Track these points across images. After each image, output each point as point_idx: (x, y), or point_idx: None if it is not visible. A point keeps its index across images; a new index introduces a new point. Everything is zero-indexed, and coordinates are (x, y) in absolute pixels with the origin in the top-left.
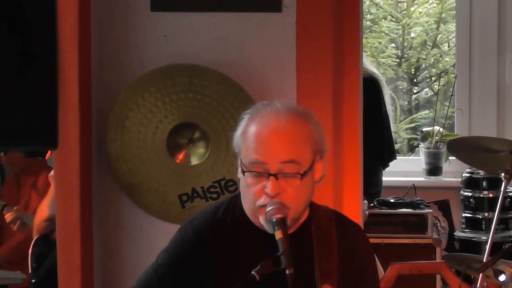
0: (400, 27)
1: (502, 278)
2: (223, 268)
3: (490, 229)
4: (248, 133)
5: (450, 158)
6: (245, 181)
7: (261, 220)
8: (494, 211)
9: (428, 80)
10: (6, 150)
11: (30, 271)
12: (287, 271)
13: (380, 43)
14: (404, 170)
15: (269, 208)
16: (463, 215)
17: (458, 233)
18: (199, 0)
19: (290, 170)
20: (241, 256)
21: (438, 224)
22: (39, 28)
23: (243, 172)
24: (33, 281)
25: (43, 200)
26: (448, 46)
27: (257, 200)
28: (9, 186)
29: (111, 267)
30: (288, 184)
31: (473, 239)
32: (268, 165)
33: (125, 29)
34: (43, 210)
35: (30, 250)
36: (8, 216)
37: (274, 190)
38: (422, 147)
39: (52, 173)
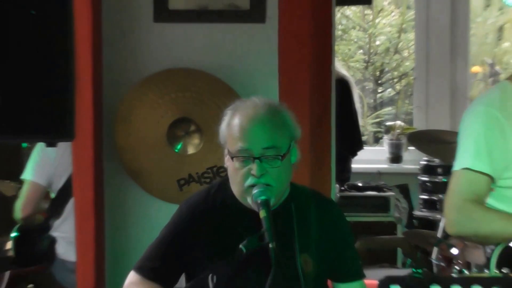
0: (366, 36)
1: (454, 251)
2: (213, 241)
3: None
4: (232, 125)
5: (409, 148)
6: (233, 167)
7: (249, 200)
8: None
9: (391, 81)
10: (31, 141)
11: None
12: (270, 245)
13: (349, 49)
14: (370, 158)
15: (255, 190)
16: (421, 197)
17: (416, 213)
18: (194, 13)
19: (271, 154)
20: (229, 231)
21: (399, 205)
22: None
23: (232, 158)
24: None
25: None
26: (408, 52)
27: (245, 181)
28: None
29: (119, 240)
30: (270, 165)
31: (429, 217)
32: (252, 151)
33: (132, 37)
34: (17, 211)
35: (11, 235)
36: None
37: (259, 171)
38: (386, 139)
39: (23, 175)
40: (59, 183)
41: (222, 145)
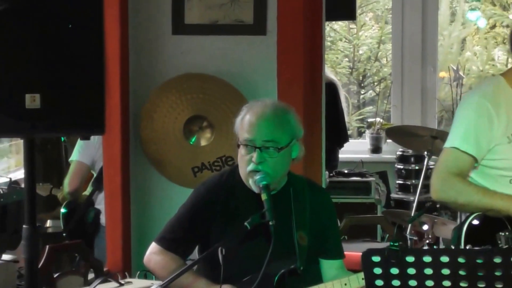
0: (351, 46)
1: (425, 227)
2: (224, 218)
3: (416, 192)
4: (243, 119)
5: (387, 141)
6: (240, 153)
7: (251, 182)
8: (419, 179)
9: (371, 84)
10: (68, 135)
11: (62, 227)
12: (270, 223)
13: (337, 57)
14: (354, 149)
15: (257, 176)
16: (397, 182)
17: (393, 195)
18: (206, 27)
19: (270, 146)
20: (237, 210)
21: (379, 188)
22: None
23: (238, 146)
24: (64, 234)
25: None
26: (386, 60)
27: (247, 166)
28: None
29: (143, 220)
30: (269, 155)
31: (404, 199)
32: (255, 142)
33: (154, 47)
34: (65, 186)
35: (61, 210)
36: (60, 197)
37: (258, 159)
38: (367, 133)
39: (71, 157)
40: (100, 163)
41: (235, 135)
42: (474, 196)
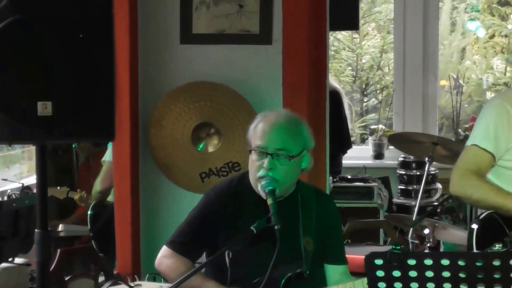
0: (354, 55)
1: (426, 231)
2: (232, 222)
3: (417, 197)
4: (257, 126)
5: (389, 147)
6: (251, 159)
7: (259, 188)
8: (420, 184)
9: (374, 92)
10: (79, 142)
11: (89, 227)
12: (275, 227)
13: (340, 66)
14: (357, 155)
15: (263, 182)
16: (399, 187)
17: (395, 200)
18: (214, 36)
19: (282, 154)
20: (245, 215)
21: (381, 193)
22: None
23: (250, 152)
24: (91, 234)
25: (97, 177)
26: (388, 69)
27: (257, 172)
28: (83, 167)
29: (151, 223)
30: (279, 163)
31: (406, 204)
32: (267, 149)
33: (162, 56)
34: (97, 185)
35: (88, 212)
36: (76, 197)
37: (268, 165)
38: (370, 139)
39: (104, 158)
40: None
41: (247, 141)
42: (488, 194)
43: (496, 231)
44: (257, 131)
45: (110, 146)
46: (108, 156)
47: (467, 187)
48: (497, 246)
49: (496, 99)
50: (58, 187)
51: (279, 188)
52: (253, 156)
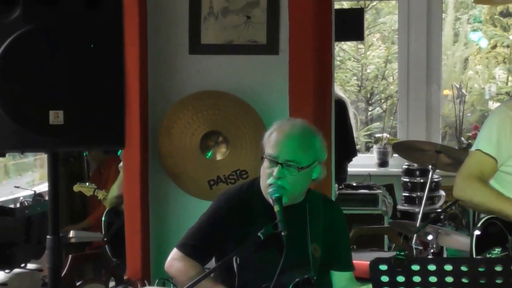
0: (359, 65)
1: (429, 237)
2: (241, 227)
3: (421, 204)
4: (271, 136)
5: (394, 155)
6: (263, 166)
7: (268, 195)
8: (424, 191)
9: (379, 101)
10: (90, 150)
11: (103, 233)
12: (282, 233)
13: (346, 76)
14: (363, 163)
15: (270, 189)
16: (403, 194)
17: (399, 207)
18: (222, 47)
19: (292, 164)
20: (254, 221)
21: (386, 200)
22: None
23: (262, 159)
24: (105, 239)
25: (114, 183)
26: (393, 79)
27: (268, 179)
28: (94, 174)
29: (161, 230)
30: (289, 172)
31: (410, 210)
32: (278, 158)
33: (172, 65)
34: (114, 190)
35: (103, 218)
36: (100, 196)
37: (278, 174)
38: (375, 148)
39: (121, 164)
40: None
41: (262, 148)
42: (487, 198)
43: (498, 236)
44: (271, 140)
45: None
46: None
47: (469, 191)
48: (496, 250)
49: (500, 107)
50: (87, 184)
51: (287, 196)
52: (265, 163)
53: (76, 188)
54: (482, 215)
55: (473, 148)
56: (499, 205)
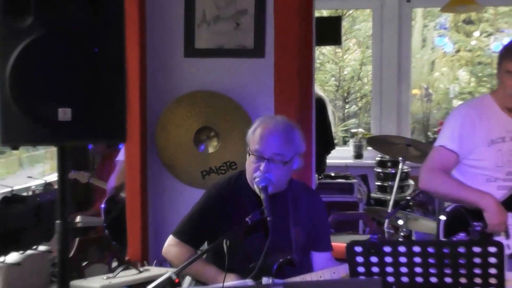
0: (337, 67)
1: (400, 222)
2: (231, 214)
3: (392, 192)
4: (255, 132)
5: (368, 148)
6: (249, 161)
7: (255, 185)
8: (395, 181)
9: (354, 100)
10: (94, 143)
11: (103, 219)
12: (268, 219)
13: (325, 77)
14: (340, 155)
15: (257, 179)
16: (376, 183)
17: (373, 195)
18: (213, 51)
19: (277, 159)
20: (242, 208)
21: (361, 189)
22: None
23: (249, 155)
24: (104, 225)
25: (111, 174)
26: (367, 79)
27: (254, 173)
28: (99, 167)
29: (158, 216)
30: (275, 166)
31: (382, 198)
32: (264, 154)
33: (168, 68)
34: (111, 181)
35: (102, 206)
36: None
37: (265, 169)
38: (351, 141)
39: (117, 158)
40: None
41: (247, 143)
42: (452, 188)
43: (461, 222)
44: (255, 136)
45: (122, 147)
46: (122, 156)
47: (434, 183)
48: (461, 235)
49: (462, 106)
50: (82, 172)
51: (273, 187)
52: (251, 158)
53: (72, 176)
54: (446, 204)
55: (436, 144)
56: (462, 194)
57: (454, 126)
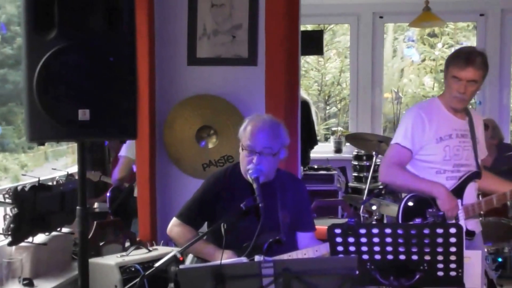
0: (320, 74)
1: (373, 207)
2: (227, 200)
3: (367, 182)
4: (246, 129)
5: (346, 144)
6: (242, 155)
7: (248, 176)
8: (369, 172)
9: (335, 102)
10: (110, 140)
11: (108, 206)
12: (260, 204)
13: (309, 82)
14: (322, 150)
15: (250, 170)
16: (353, 174)
17: (350, 184)
18: (213, 60)
19: (267, 152)
20: (237, 195)
21: (340, 179)
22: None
23: (242, 150)
24: (109, 211)
25: (115, 167)
26: (346, 85)
27: (248, 165)
28: (114, 161)
29: (165, 202)
30: (265, 158)
31: (358, 187)
32: (255, 148)
33: (173, 74)
34: (115, 174)
35: (107, 195)
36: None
37: (257, 161)
38: (332, 138)
39: (120, 153)
40: None
41: (239, 139)
42: (407, 180)
43: (418, 209)
44: (246, 133)
45: (126, 143)
46: (124, 151)
47: (391, 176)
48: (417, 221)
49: (413, 108)
50: (93, 172)
51: (264, 176)
52: (244, 153)
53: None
54: (403, 194)
55: (393, 142)
56: (416, 185)
57: (407, 126)
